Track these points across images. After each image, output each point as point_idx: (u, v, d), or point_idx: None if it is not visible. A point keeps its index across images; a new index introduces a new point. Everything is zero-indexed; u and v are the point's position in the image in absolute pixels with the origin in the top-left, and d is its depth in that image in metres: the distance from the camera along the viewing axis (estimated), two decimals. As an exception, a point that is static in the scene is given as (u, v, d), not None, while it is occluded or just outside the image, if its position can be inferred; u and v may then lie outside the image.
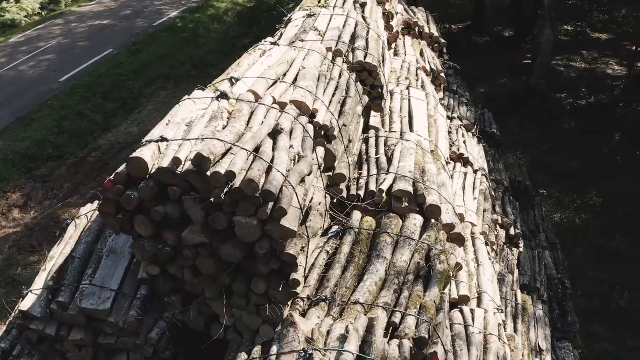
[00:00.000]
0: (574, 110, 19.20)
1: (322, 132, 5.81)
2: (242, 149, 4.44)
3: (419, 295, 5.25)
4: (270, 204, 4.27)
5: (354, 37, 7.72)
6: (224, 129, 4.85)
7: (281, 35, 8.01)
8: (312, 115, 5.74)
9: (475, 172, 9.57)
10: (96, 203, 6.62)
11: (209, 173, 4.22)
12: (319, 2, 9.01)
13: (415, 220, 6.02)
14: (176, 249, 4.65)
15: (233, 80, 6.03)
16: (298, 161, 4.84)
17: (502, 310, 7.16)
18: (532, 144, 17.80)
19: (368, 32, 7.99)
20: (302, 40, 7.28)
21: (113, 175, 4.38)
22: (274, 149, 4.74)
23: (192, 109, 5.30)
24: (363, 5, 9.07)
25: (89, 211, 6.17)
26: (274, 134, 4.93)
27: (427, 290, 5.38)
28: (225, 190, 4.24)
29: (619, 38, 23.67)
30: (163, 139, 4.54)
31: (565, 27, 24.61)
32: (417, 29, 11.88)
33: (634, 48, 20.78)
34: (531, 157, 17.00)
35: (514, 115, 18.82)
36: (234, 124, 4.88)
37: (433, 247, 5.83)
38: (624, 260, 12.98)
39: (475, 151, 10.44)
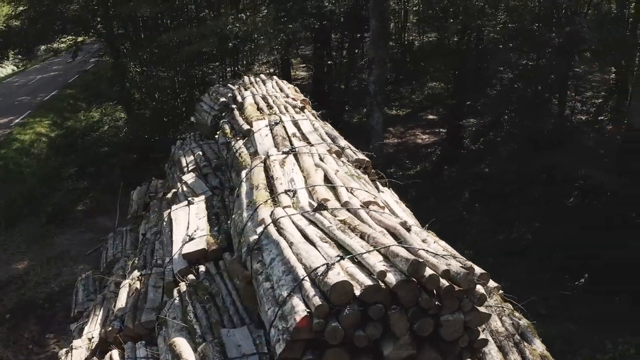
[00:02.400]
0: (407, 180, 21.66)
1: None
2: (424, 250, 4.41)
3: (534, 349, 5.68)
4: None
5: (332, 137, 8.06)
6: (362, 236, 4.74)
7: (253, 144, 7.97)
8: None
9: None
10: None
11: (414, 278, 4.10)
12: (261, 112, 9.17)
13: (481, 289, 6.43)
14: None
15: (289, 193, 5.89)
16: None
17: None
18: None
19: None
20: (293, 147, 7.36)
21: (312, 309, 3.92)
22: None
23: (295, 229, 5.03)
24: (302, 109, 9.49)
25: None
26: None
27: (530, 344, 5.85)
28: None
29: (414, 110, 27.72)
30: (341, 257, 4.26)
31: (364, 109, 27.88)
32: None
33: (430, 116, 24.66)
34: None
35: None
36: (368, 230, 4.81)
37: (504, 307, 6.34)
38: (518, 299, 14.81)
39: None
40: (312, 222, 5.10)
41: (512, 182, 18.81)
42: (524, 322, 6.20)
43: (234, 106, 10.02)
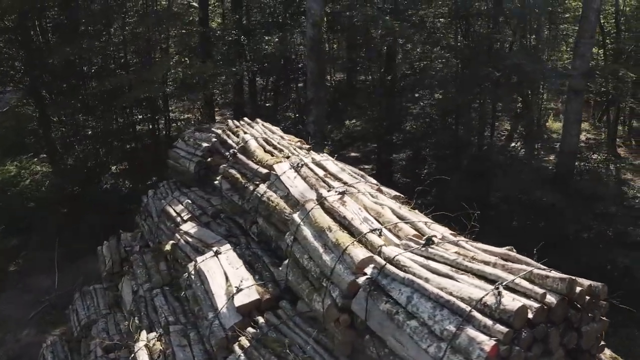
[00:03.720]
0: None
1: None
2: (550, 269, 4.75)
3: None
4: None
5: (360, 175, 8.25)
6: (487, 263, 4.98)
7: (281, 187, 7.97)
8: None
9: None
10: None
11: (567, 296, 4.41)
12: (272, 155, 9.16)
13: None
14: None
15: (375, 232, 6.00)
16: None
17: None
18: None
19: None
20: (336, 188, 7.43)
21: (500, 337, 4.06)
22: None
23: (418, 265, 5.16)
24: (309, 150, 9.61)
25: None
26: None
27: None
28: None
29: (336, 149, 28.40)
30: (500, 284, 4.45)
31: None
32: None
33: (353, 154, 25.69)
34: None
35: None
36: (488, 258, 5.07)
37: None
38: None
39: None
40: (428, 258, 5.24)
41: (452, 211, 19.74)
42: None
43: (234, 150, 9.87)
